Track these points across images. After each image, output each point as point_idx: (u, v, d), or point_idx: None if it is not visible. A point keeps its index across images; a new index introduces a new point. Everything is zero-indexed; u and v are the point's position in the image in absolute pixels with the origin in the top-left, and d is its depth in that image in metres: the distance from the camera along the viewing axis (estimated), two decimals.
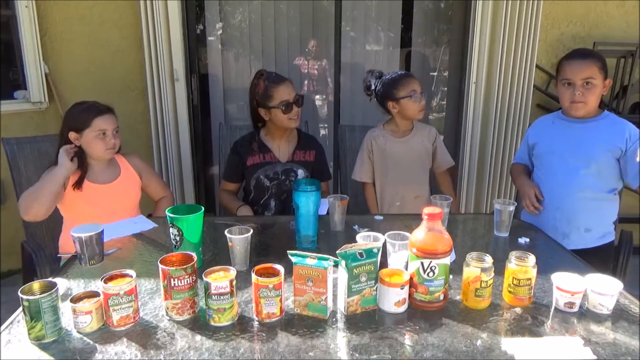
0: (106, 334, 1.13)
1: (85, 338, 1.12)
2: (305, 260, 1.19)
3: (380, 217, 1.97)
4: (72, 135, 1.95)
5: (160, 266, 1.17)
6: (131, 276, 1.18)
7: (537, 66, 3.11)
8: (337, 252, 1.19)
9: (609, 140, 1.84)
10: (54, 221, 2.08)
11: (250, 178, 2.23)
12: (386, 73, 2.29)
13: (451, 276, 1.30)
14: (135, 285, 1.17)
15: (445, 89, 3.55)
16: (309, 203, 1.59)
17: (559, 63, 1.91)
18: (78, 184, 1.94)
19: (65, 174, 1.88)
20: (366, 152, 2.30)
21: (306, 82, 3.80)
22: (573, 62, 1.84)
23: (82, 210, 1.95)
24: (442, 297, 1.24)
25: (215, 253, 1.59)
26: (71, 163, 1.90)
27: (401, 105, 2.18)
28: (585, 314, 1.23)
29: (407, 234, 1.34)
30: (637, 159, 1.77)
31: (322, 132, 3.88)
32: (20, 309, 1.11)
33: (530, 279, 1.25)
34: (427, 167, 2.32)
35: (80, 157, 1.97)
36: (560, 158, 1.91)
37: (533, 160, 2.07)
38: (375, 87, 2.27)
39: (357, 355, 1.06)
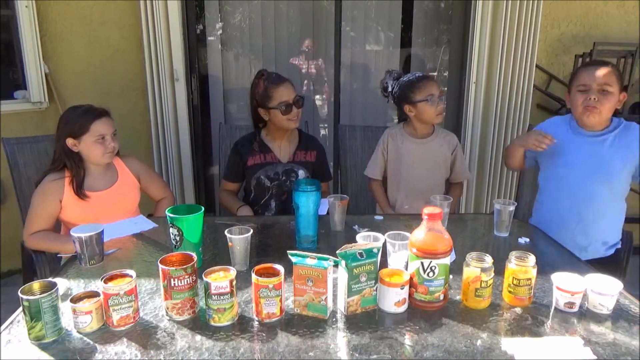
0: (106, 334, 1.13)
1: (85, 338, 1.12)
2: (305, 260, 1.19)
3: (380, 217, 1.97)
4: (69, 141, 1.90)
5: (160, 266, 1.17)
6: (131, 276, 1.18)
7: (537, 66, 3.11)
8: (337, 252, 1.19)
9: (628, 156, 1.82)
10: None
11: (250, 178, 2.23)
12: (404, 75, 2.24)
13: (451, 276, 1.30)
14: (135, 285, 1.17)
15: (445, 89, 3.55)
16: (309, 203, 1.59)
17: (575, 72, 1.87)
18: (79, 192, 1.91)
19: (66, 251, 1.87)
20: (381, 149, 2.27)
21: (306, 82, 3.80)
22: (590, 68, 1.82)
23: (80, 218, 1.90)
24: (442, 297, 1.24)
25: (215, 253, 1.59)
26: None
27: (418, 109, 2.13)
28: (585, 314, 1.23)
29: (407, 234, 1.34)
30: None
31: (322, 132, 3.88)
32: (20, 309, 1.11)
33: (530, 279, 1.25)
34: (444, 175, 2.26)
35: (78, 163, 1.93)
36: (580, 173, 1.87)
37: (542, 163, 2.02)
38: (392, 88, 2.22)
39: (357, 355, 1.06)
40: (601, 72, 1.78)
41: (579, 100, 1.82)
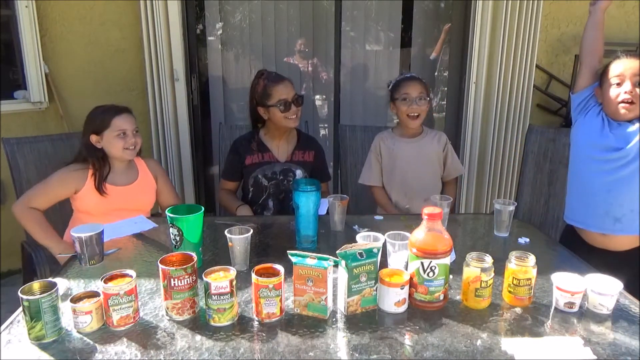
0: (106, 334, 1.13)
1: (85, 338, 1.12)
2: (305, 260, 1.19)
3: (380, 217, 1.98)
4: (93, 138, 1.98)
5: (160, 266, 1.17)
6: (131, 276, 1.18)
7: (537, 66, 3.11)
8: (337, 252, 1.19)
9: None
10: (54, 222, 2.08)
11: (248, 177, 2.24)
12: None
13: (451, 276, 1.30)
14: (135, 285, 1.17)
15: (445, 89, 3.55)
16: (309, 203, 1.59)
17: (607, 65, 1.75)
18: (100, 187, 1.95)
19: (49, 247, 1.90)
20: (374, 155, 2.28)
21: (306, 81, 3.80)
22: (624, 59, 1.69)
23: (95, 209, 1.97)
24: (442, 297, 1.24)
25: (215, 253, 1.59)
26: (60, 248, 1.87)
27: (396, 107, 2.20)
28: (585, 314, 1.23)
29: (407, 234, 1.34)
30: None
31: (322, 132, 3.88)
32: (20, 309, 1.11)
33: (530, 279, 1.25)
34: (438, 172, 2.29)
35: (102, 160, 1.99)
36: (609, 154, 1.73)
37: (574, 136, 1.88)
38: (389, 87, 2.30)
39: (357, 355, 1.06)
40: (636, 62, 1.65)
41: (613, 94, 1.69)
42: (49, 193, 1.95)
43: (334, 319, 1.20)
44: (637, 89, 1.66)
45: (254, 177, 2.22)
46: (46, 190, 1.95)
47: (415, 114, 2.17)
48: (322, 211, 1.83)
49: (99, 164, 1.98)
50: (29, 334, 1.09)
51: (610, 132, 1.75)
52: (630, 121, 1.72)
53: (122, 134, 1.98)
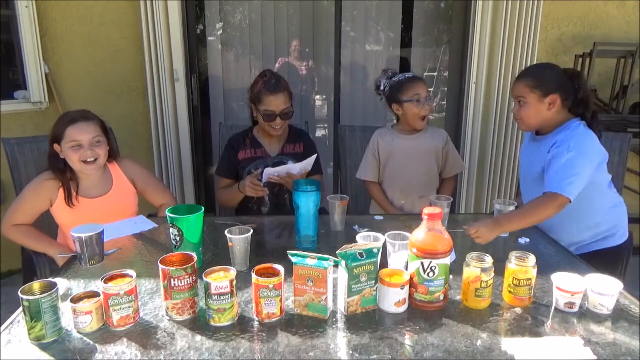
0: (106, 334, 1.13)
1: (85, 338, 1.12)
2: (305, 260, 1.19)
3: (380, 217, 1.98)
4: (56, 147, 1.87)
5: (160, 266, 1.17)
6: (131, 276, 1.18)
7: None
8: (337, 252, 1.19)
9: (544, 158, 1.78)
10: (54, 222, 2.08)
11: (242, 172, 2.25)
12: (398, 74, 2.26)
13: (451, 276, 1.30)
14: (135, 285, 1.17)
15: (445, 89, 3.55)
16: (309, 203, 1.59)
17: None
18: (69, 200, 1.87)
19: (47, 252, 1.88)
20: (371, 151, 2.28)
21: (305, 82, 3.80)
22: (516, 79, 1.88)
23: (73, 223, 1.85)
24: (442, 297, 1.24)
25: (215, 253, 1.59)
26: (58, 249, 1.86)
27: (404, 108, 2.17)
28: (585, 314, 1.23)
29: (407, 234, 1.34)
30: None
31: (322, 132, 3.87)
32: (20, 309, 1.11)
33: (530, 279, 1.25)
34: (435, 168, 2.28)
35: (65, 170, 1.89)
36: (528, 174, 1.95)
37: None
38: (384, 87, 2.25)
39: (357, 355, 1.06)
40: (515, 85, 1.86)
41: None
42: (26, 206, 1.87)
43: (334, 319, 1.20)
44: (518, 107, 1.86)
45: (247, 171, 2.23)
46: (21, 205, 1.88)
47: (426, 114, 2.17)
48: (308, 167, 2.00)
49: (62, 175, 1.86)
50: (29, 334, 1.09)
51: (526, 149, 2.00)
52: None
53: (76, 146, 1.82)
